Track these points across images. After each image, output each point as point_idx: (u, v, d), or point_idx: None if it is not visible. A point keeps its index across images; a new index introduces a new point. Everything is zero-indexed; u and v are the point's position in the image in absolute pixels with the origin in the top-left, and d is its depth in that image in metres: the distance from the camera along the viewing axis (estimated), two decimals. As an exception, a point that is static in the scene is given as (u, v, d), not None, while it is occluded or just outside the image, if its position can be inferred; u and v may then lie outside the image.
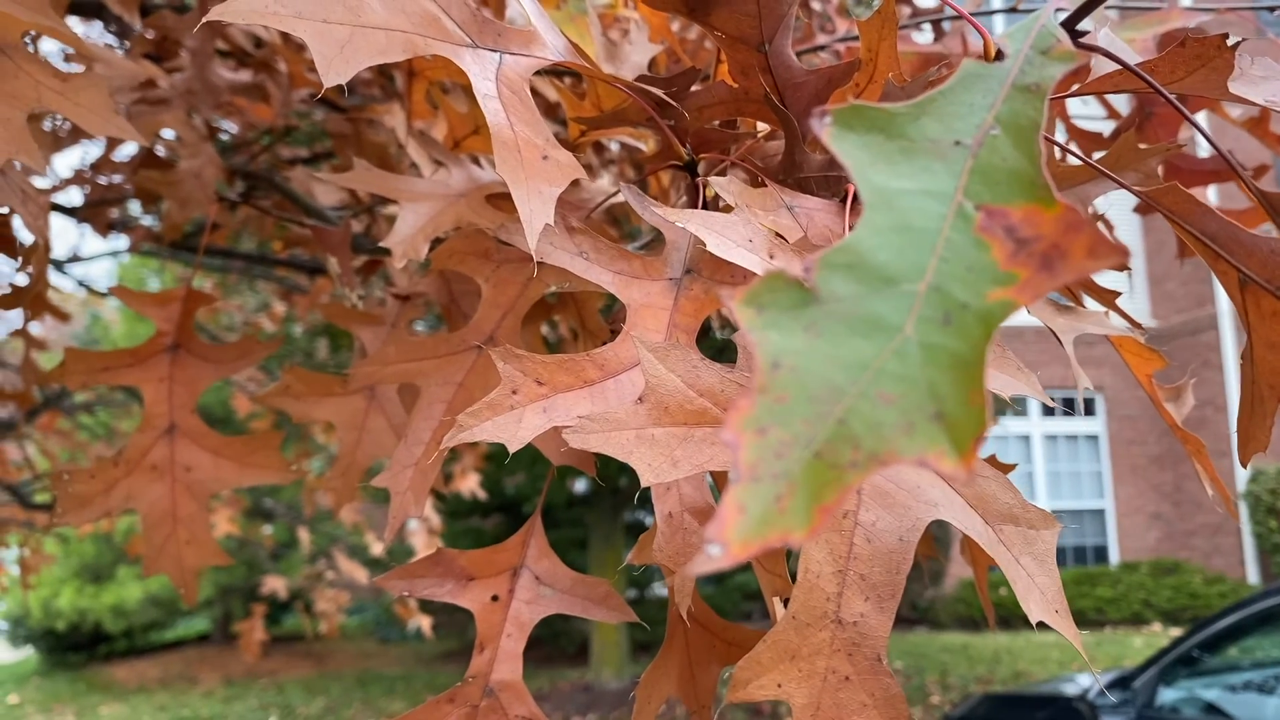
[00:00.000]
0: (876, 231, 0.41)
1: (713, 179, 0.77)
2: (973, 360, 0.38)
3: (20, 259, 1.18)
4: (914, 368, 0.38)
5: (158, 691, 12.48)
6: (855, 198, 0.81)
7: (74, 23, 2.61)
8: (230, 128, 2.34)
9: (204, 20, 0.61)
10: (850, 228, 0.77)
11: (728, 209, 0.79)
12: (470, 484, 4.91)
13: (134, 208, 3.27)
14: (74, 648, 14.57)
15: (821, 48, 1.94)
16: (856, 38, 1.93)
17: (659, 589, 11.58)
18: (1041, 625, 0.69)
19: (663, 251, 0.82)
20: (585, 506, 11.42)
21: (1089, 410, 14.33)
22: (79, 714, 11.55)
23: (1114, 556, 13.90)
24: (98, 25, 2.60)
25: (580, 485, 11.69)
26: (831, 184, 0.88)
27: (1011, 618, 11.78)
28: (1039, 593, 0.66)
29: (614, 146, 2.12)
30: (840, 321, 0.38)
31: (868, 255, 0.40)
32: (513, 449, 0.68)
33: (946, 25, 1.94)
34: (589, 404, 0.71)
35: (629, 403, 0.72)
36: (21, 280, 1.54)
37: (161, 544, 1.13)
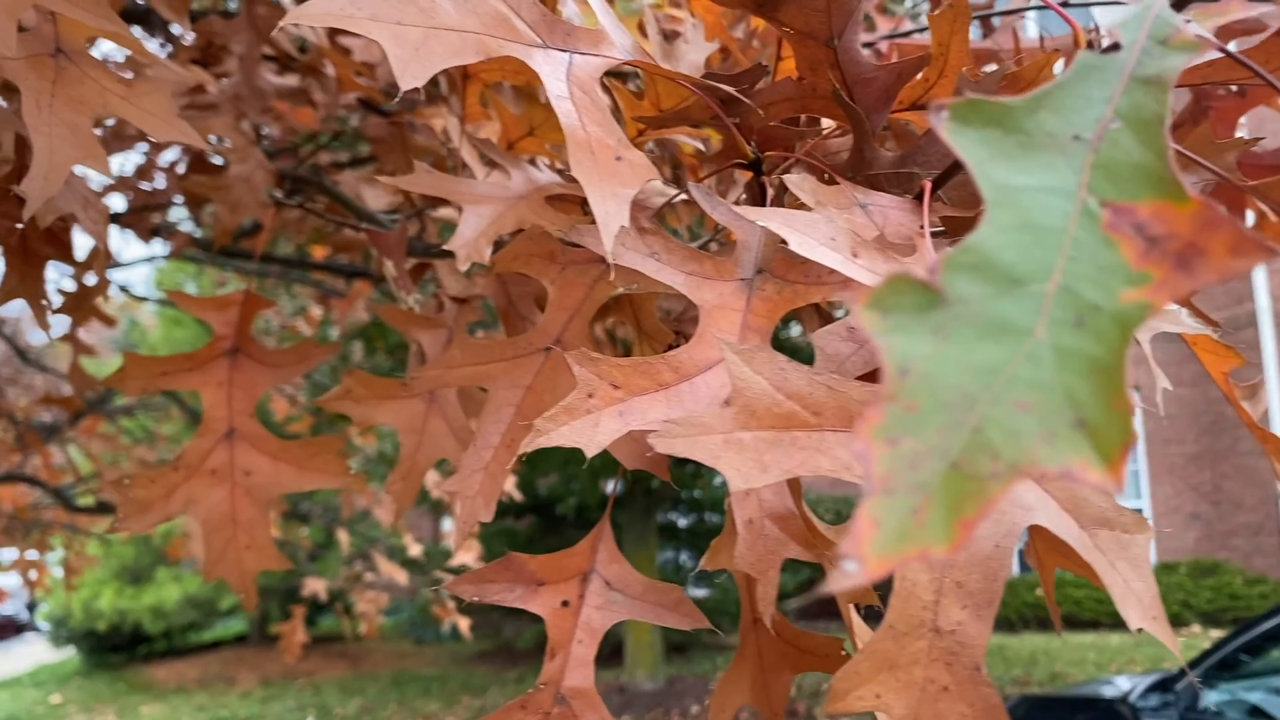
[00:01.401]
0: (1000, 230, 0.40)
1: (786, 177, 0.76)
2: (1111, 364, 0.36)
3: (81, 265, 1.18)
4: (1048, 373, 0.36)
5: (196, 692, 12.61)
6: (932, 194, 0.79)
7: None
8: (271, 132, 2.35)
9: (281, 24, 0.60)
10: (926, 225, 0.75)
11: (796, 206, 0.78)
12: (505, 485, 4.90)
13: (174, 214, 3.29)
14: (114, 648, 14.74)
15: (868, 45, 1.92)
16: (897, 35, 1.91)
17: (694, 590, 11.57)
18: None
19: (732, 251, 0.81)
20: (618, 507, 11.43)
21: (1124, 408, 14.11)
22: (120, 713, 11.68)
23: (1152, 557, 13.72)
24: (141, 31, 2.62)
25: (612, 486, 11.67)
26: (902, 180, 0.87)
27: (1047, 618, 11.66)
28: (1136, 599, 0.64)
29: (648, 146, 2.10)
30: (969, 324, 0.37)
31: (993, 255, 0.39)
32: (590, 454, 0.67)
33: (996, 21, 1.92)
34: (665, 407, 0.70)
35: (704, 405, 0.71)
36: (70, 286, 1.55)
37: (221, 549, 1.13)
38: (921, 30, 1.91)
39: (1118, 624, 12.33)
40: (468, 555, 5.42)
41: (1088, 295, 0.38)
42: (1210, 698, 5.54)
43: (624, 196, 0.69)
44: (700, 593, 11.88)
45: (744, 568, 0.69)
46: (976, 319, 0.37)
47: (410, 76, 0.64)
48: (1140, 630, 0.65)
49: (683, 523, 12.64)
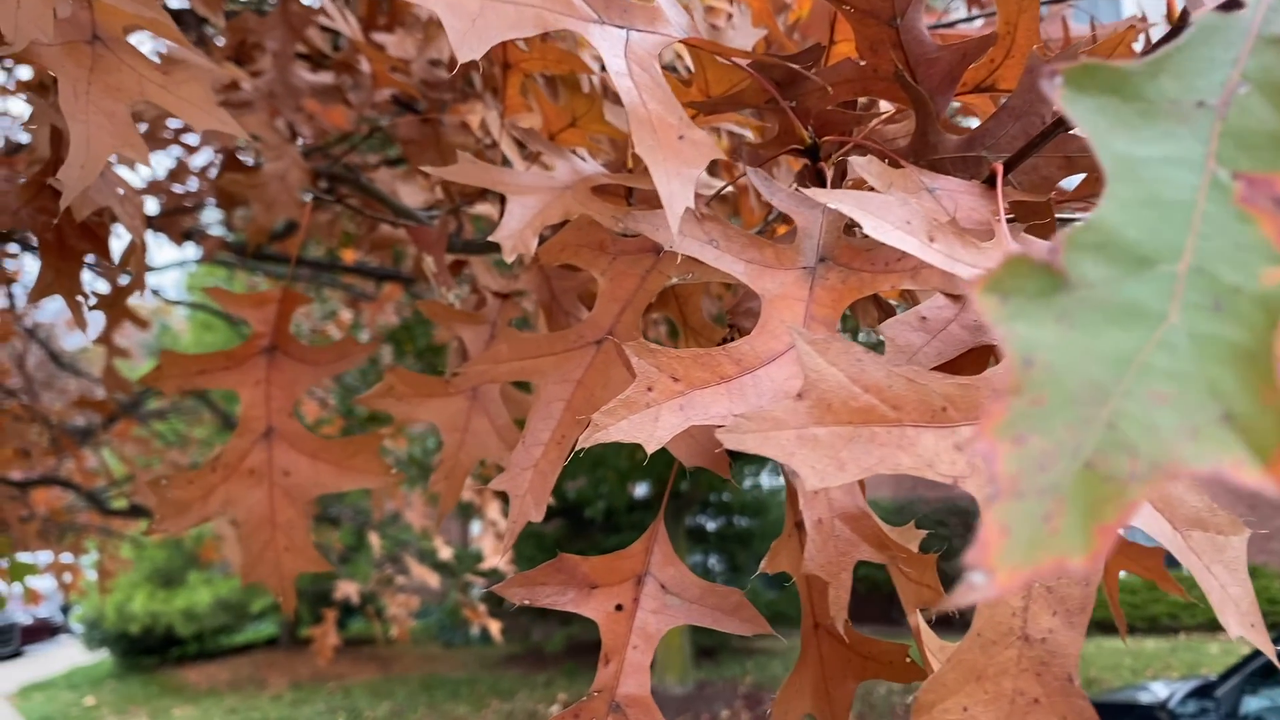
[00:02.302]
0: (1124, 206, 0.36)
1: (852, 159, 0.73)
2: (1258, 351, 0.32)
3: (117, 265, 1.16)
4: (1186, 361, 0.32)
5: (228, 694, 12.68)
6: (1003, 179, 0.75)
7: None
8: (304, 132, 2.34)
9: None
10: (1000, 209, 0.72)
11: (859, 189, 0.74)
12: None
13: (206, 217, 3.29)
14: (147, 650, 14.85)
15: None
16: (940, 25, 1.86)
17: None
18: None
19: (792, 239, 0.77)
20: (646, 510, 11.39)
21: (1160, 409, 13.94)
22: (152, 715, 11.77)
23: (1189, 560, 13.52)
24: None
25: (641, 490, 11.65)
26: (969, 165, 0.83)
27: (1082, 622, 11.50)
28: (1234, 605, 0.60)
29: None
30: (1095, 309, 0.33)
31: (1117, 233, 0.35)
32: (650, 449, 0.64)
33: (1044, 9, 1.87)
34: (727, 401, 0.67)
35: (769, 399, 0.67)
36: (103, 288, 1.54)
37: (260, 551, 1.11)
38: (963, 21, 1.87)
39: (1152, 629, 12.17)
40: (498, 559, 5.40)
41: (1225, 276, 0.34)
42: (1250, 704, 5.45)
43: (689, 176, 0.66)
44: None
45: (814, 570, 0.65)
46: (1104, 303, 0.34)
47: (467, 48, 0.61)
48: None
49: (711, 526, 12.60)
